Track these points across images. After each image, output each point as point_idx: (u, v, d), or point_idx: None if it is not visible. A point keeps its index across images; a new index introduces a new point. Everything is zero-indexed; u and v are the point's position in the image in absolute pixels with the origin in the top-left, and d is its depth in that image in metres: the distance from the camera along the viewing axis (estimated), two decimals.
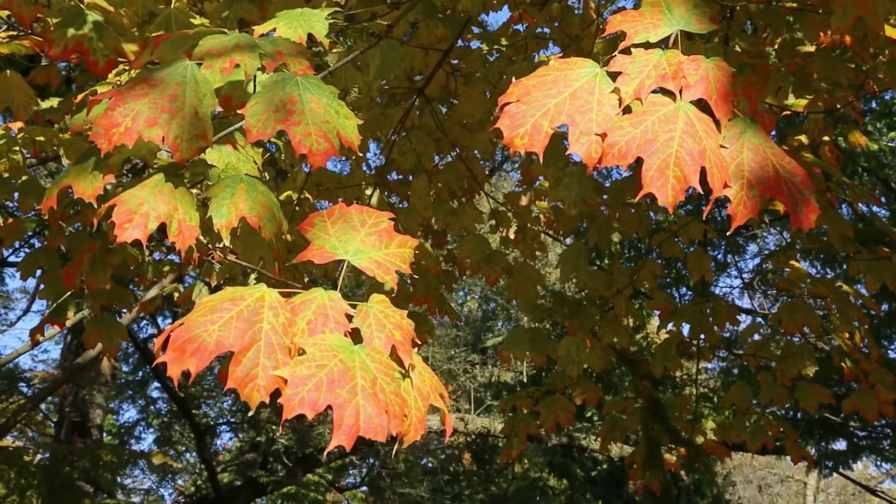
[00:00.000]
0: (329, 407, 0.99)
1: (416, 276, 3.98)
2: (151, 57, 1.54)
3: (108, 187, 1.56)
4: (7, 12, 3.24)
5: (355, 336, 1.12)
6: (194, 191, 1.57)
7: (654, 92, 1.31)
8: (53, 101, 3.94)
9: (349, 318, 1.14)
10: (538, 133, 1.27)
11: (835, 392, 8.00)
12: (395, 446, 1.06)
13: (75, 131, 1.57)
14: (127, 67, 2.55)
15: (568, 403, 4.31)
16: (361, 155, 3.94)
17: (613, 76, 1.34)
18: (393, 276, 1.22)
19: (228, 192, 1.51)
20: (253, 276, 3.11)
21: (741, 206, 1.28)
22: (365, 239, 1.25)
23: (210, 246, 1.65)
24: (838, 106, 3.77)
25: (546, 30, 4.04)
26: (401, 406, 1.04)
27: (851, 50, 3.63)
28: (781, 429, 4.28)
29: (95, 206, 1.52)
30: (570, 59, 1.38)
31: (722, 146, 1.31)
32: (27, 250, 9.51)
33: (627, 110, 1.30)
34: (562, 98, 1.29)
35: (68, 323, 3.54)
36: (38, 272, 3.31)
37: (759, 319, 8.86)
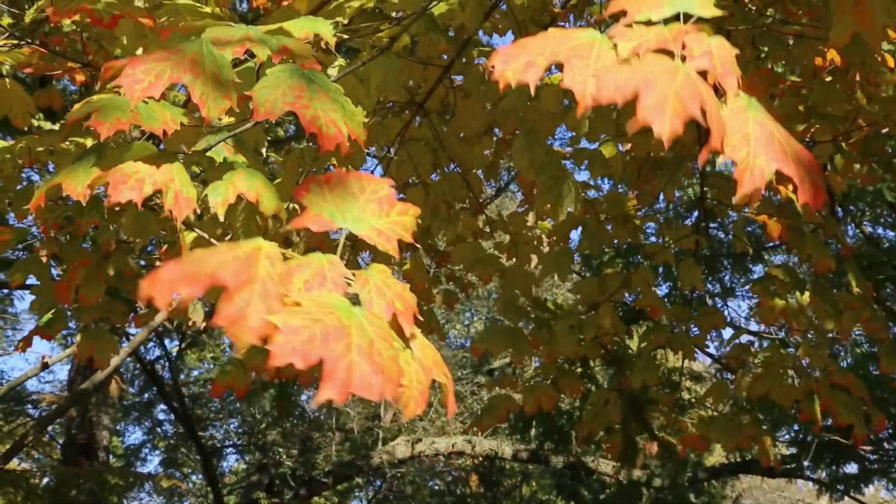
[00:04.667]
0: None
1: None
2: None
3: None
4: (9, 20, 3.28)
5: (354, 303, 1.09)
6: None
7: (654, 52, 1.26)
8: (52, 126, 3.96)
9: (349, 283, 1.12)
10: (532, 67, 1.22)
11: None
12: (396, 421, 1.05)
13: (72, 121, 1.56)
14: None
15: (551, 389, 4.33)
16: (363, 158, 3.96)
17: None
18: (394, 245, 1.20)
19: (228, 175, 1.51)
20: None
21: (747, 173, 1.24)
22: (365, 206, 1.22)
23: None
24: (831, 138, 3.79)
25: None
26: (398, 373, 1.01)
27: (846, 77, 3.66)
28: (757, 434, 4.27)
29: (83, 203, 1.50)
30: (569, 29, 1.36)
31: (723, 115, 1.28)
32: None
33: (626, 63, 1.24)
34: (560, 48, 1.24)
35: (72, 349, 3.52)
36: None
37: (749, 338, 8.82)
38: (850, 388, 3.82)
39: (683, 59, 1.29)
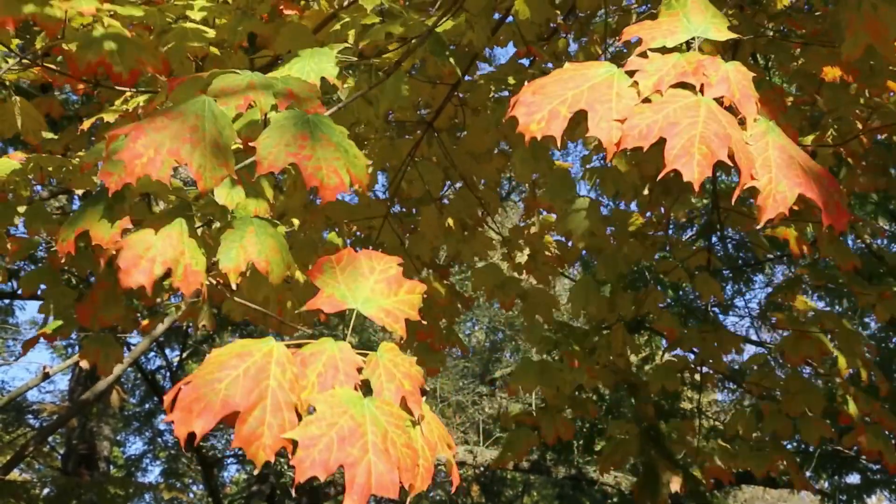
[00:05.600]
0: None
1: (425, 322, 3.98)
2: (166, 100, 1.55)
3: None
4: (17, 41, 3.28)
5: (366, 385, 1.12)
6: (204, 230, 1.57)
7: (673, 87, 1.28)
8: (51, 135, 3.97)
9: (360, 369, 1.14)
10: (555, 118, 1.24)
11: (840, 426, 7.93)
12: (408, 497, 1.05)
13: (85, 169, 1.57)
14: (131, 95, 2.57)
15: (567, 419, 4.32)
16: (368, 193, 3.96)
17: (630, 75, 1.32)
18: (402, 325, 1.22)
19: (238, 235, 1.51)
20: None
21: (770, 199, 1.24)
22: (374, 287, 1.24)
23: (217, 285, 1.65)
24: (840, 143, 3.78)
25: (551, 65, 4.07)
26: (412, 458, 1.03)
27: (855, 86, 3.65)
28: (784, 459, 4.25)
29: (113, 252, 1.53)
30: (584, 62, 1.36)
31: (747, 143, 1.28)
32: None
33: (647, 102, 1.27)
34: (579, 91, 1.27)
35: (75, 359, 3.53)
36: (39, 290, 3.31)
37: (762, 350, 8.81)
38: (882, 422, 3.84)
39: (702, 89, 1.29)
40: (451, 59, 2.77)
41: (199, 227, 1.51)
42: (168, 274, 1.48)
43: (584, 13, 4.34)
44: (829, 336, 3.99)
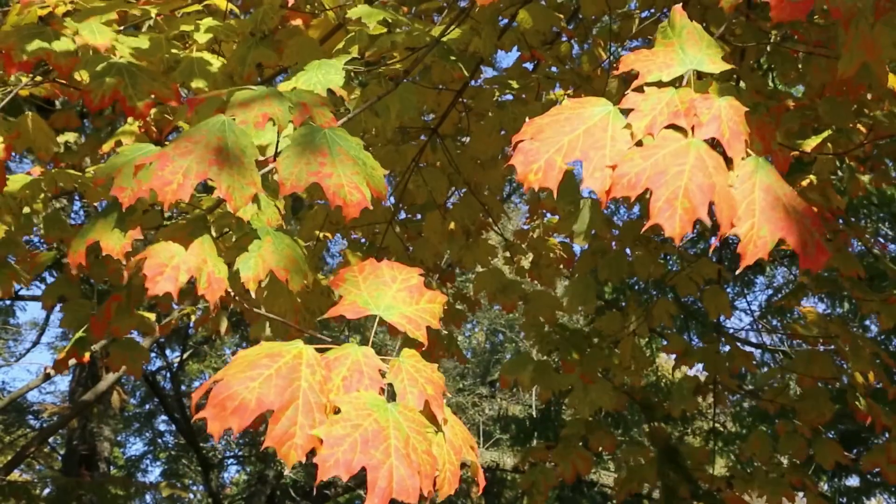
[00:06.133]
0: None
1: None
2: (188, 120, 1.58)
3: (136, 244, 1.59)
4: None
5: (390, 392, 1.15)
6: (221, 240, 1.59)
7: (666, 128, 1.31)
8: (69, 136, 4.00)
9: (382, 374, 1.17)
10: (552, 169, 1.27)
11: (852, 431, 7.92)
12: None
13: (98, 184, 1.60)
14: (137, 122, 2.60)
15: (584, 452, 4.22)
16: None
17: (626, 113, 1.34)
18: (423, 332, 1.24)
19: (256, 245, 1.55)
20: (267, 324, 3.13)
21: (751, 245, 1.27)
22: (396, 295, 1.27)
23: (234, 297, 1.68)
24: (842, 152, 3.79)
25: (555, 69, 4.09)
26: (432, 466, 1.06)
27: (855, 97, 3.67)
28: (804, 480, 4.19)
29: (123, 262, 1.55)
30: (582, 99, 1.38)
31: (730, 185, 1.31)
32: (37, 283, 9.57)
33: (639, 144, 1.29)
34: (575, 135, 1.30)
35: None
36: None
37: (769, 356, 8.80)
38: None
39: (693, 129, 1.32)
40: (460, 64, 2.79)
41: (217, 238, 1.54)
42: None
43: (589, 18, 4.35)
44: (835, 347, 3.99)
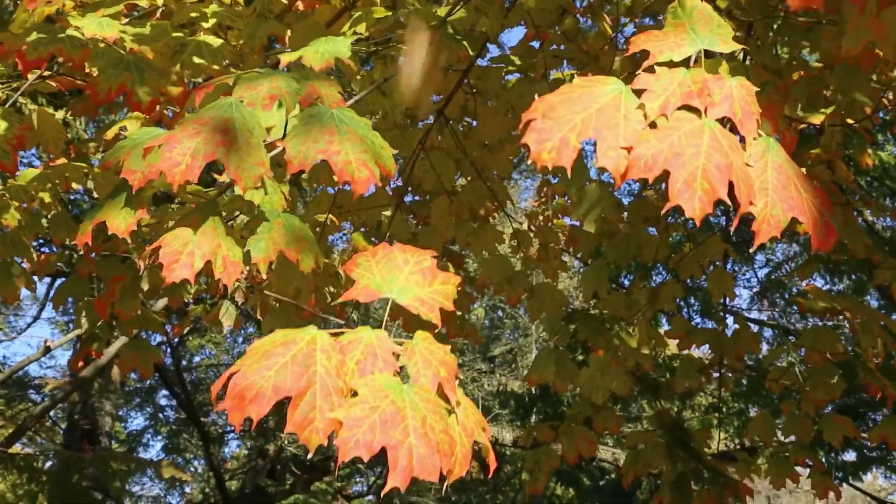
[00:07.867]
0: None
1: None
2: (196, 105, 1.58)
3: (142, 226, 1.59)
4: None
5: (402, 372, 1.16)
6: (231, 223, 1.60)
7: (678, 109, 1.32)
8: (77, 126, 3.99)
9: (396, 356, 1.18)
10: (566, 147, 1.27)
11: (850, 405, 7.93)
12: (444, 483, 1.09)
13: (106, 168, 1.60)
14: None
15: (589, 433, 4.17)
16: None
17: (638, 93, 1.34)
18: (436, 314, 1.25)
19: (266, 227, 1.56)
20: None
21: (765, 224, 1.29)
22: (409, 277, 1.28)
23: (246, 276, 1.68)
24: (851, 121, 3.75)
25: (562, 46, 4.05)
26: (450, 444, 1.07)
27: (869, 65, 3.63)
28: (809, 460, 4.17)
29: (129, 241, 1.56)
30: (592, 77, 1.38)
31: (747, 164, 1.31)
32: (48, 278, 9.65)
33: (653, 126, 1.30)
34: (588, 114, 1.29)
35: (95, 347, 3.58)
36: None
37: (769, 332, 8.81)
38: None
39: (706, 110, 1.32)
40: (465, 43, 2.78)
41: (230, 222, 1.55)
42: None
43: None
44: (845, 319, 3.96)
